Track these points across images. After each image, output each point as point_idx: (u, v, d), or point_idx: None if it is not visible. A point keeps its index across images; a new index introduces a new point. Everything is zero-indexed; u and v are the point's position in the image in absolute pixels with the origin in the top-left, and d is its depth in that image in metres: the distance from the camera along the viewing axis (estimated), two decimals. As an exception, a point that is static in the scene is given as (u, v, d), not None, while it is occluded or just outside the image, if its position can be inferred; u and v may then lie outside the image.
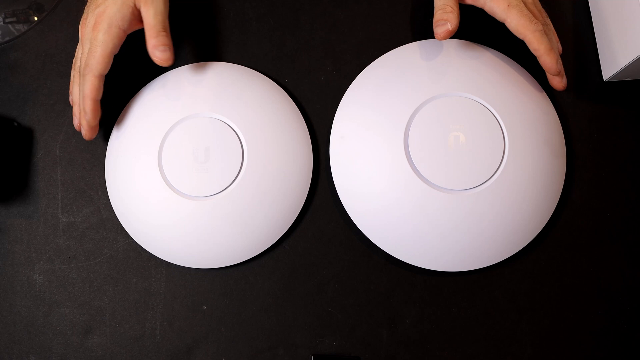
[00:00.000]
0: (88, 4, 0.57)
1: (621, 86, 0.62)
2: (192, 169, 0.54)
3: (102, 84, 0.55)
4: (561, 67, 0.55)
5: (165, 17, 0.56)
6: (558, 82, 0.55)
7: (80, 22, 0.57)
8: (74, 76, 0.58)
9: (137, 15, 0.55)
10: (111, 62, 0.55)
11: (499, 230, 0.53)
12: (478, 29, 0.61)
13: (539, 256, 0.58)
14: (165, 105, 0.57)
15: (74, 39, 0.62)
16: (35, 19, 0.63)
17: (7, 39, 0.62)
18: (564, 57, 0.62)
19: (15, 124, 0.61)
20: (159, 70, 0.60)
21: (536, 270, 0.58)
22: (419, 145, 0.53)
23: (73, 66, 0.58)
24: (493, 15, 0.54)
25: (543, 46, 0.53)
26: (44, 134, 0.61)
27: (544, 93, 0.57)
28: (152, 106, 0.57)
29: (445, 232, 0.53)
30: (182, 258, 0.56)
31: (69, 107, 0.61)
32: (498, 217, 0.52)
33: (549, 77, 0.56)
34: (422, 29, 0.63)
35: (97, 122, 0.56)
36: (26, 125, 0.61)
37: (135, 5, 0.55)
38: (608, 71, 0.61)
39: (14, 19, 0.63)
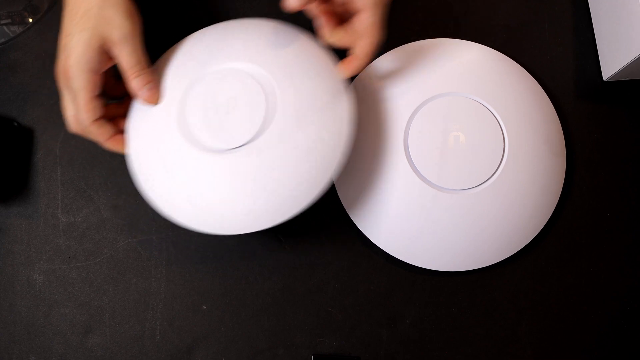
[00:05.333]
0: (60, 47, 0.53)
1: (621, 86, 0.62)
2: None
3: (102, 110, 0.52)
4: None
5: (141, 51, 0.51)
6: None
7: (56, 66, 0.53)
8: (77, 130, 0.54)
9: (106, 55, 0.51)
10: (100, 100, 0.51)
11: (499, 230, 0.53)
12: (476, 30, 0.61)
13: (539, 256, 0.58)
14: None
15: (74, 39, 0.63)
16: (30, 20, 0.63)
17: (2, 40, 0.62)
18: (564, 57, 0.63)
19: (15, 124, 0.61)
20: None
21: (536, 270, 0.58)
22: (419, 145, 0.52)
23: (64, 116, 0.54)
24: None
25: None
26: (44, 134, 0.61)
27: (544, 93, 0.57)
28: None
29: (445, 232, 0.53)
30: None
31: (69, 107, 0.61)
32: (498, 216, 0.52)
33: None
34: (422, 29, 0.63)
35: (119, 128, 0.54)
36: (26, 125, 0.61)
37: (102, 46, 0.50)
38: (608, 71, 0.61)
39: (9, 21, 0.63)
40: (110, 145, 0.53)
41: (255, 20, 0.56)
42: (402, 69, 0.56)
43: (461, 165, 0.52)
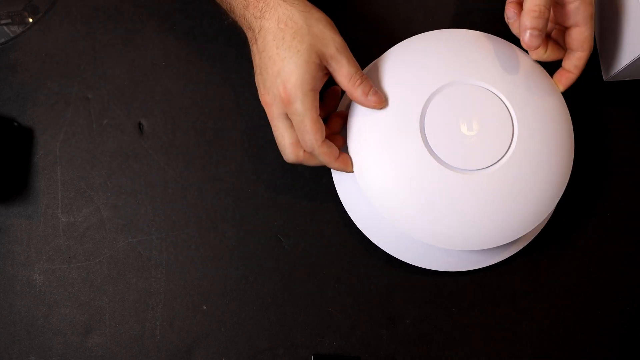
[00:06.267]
0: (257, 72, 0.52)
1: (621, 86, 0.62)
2: (458, 140, 0.52)
3: (325, 128, 0.52)
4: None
5: (355, 60, 0.52)
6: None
7: (259, 95, 0.52)
8: (297, 158, 0.53)
9: (325, 71, 0.51)
10: (321, 120, 0.51)
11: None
12: (492, 24, 0.61)
13: (539, 256, 0.58)
14: (422, 72, 0.54)
15: (74, 39, 0.63)
16: (30, 20, 0.63)
17: (2, 40, 0.62)
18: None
19: (15, 124, 0.61)
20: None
21: (536, 270, 0.58)
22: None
23: (281, 146, 0.53)
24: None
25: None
26: (44, 134, 0.61)
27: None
28: (404, 74, 0.55)
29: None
30: (439, 236, 0.52)
31: (69, 107, 0.61)
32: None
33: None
34: (422, 29, 0.63)
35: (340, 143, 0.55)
36: (26, 125, 0.61)
37: (320, 63, 0.50)
38: (608, 71, 0.61)
39: (9, 21, 0.63)
40: (339, 164, 0.53)
41: (465, 32, 0.57)
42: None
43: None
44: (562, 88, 0.55)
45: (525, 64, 0.55)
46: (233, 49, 0.62)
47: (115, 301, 0.57)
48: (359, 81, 0.51)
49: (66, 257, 0.58)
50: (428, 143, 0.51)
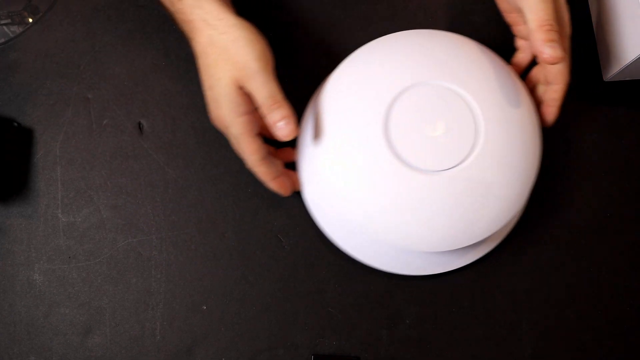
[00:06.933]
0: (204, 89, 0.53)
1: (621, 86, 0.62)
2: (422, 140, 0.51)
3: (264, 147, 0.52)
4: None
5: (271, 84, 0.50)
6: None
7: None
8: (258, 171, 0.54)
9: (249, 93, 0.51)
10: (260, 138, 0.52)
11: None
12: (492, 24, 0.61)
13: (539, 256, 0.58)
14: (386, 73, 0.53)
15: (74, 39, 0.63)
16: (30, 20, 0.63)
17: (2, 40, 0.62)
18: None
19: (15, 124, 0.61)
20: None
21: (536, 270, 0.58)
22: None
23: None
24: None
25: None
26: (44, 134, 0.61)
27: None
28: (369, 76, 0.54)
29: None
30: (403, 239, 0.52)
31: (69, 107, 0.61)
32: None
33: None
34: (421, 29, 0.63)
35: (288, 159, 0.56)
36: (26, 125, 0.61)
37: (241, 87, 0.50)
38: (608, 71, 0.61)
39: (9, 21, 0.63)
40: (274, 186, 0.54)
41: (433, 32, 0.57)
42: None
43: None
44: (549, 122, 0.55)
45: (494, 64, 0.54)
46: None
47: (115, 301, 0.57)
48: (269, 108, 0.50)
49: (66, 257, 0.58)
50: (392, 144, 0.51)
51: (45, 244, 0.58)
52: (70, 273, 0.58)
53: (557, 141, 0.60)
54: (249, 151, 0.51)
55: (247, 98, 0.50)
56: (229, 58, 0.50)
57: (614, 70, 0.60)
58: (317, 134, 0.54)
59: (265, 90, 0.50)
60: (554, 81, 0.53)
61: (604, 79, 0.62)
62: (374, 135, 0.51)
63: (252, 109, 0.51)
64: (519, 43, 0.58)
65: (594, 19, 0.63)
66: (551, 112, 0.55)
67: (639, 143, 0.61)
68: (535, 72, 0.57)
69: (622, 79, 0.61)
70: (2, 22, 0.63)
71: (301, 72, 0.61)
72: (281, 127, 0.50)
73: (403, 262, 0.56)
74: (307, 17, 0.64)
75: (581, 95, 0.61)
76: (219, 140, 0.60)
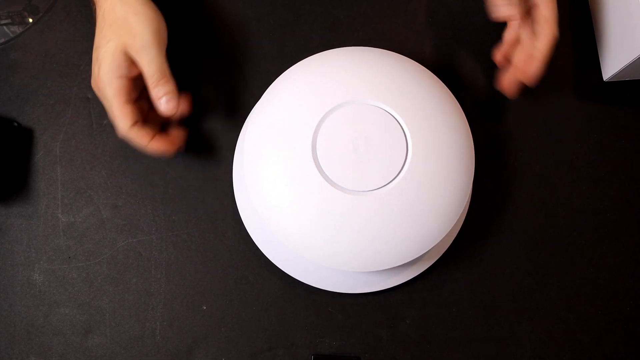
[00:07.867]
0: (93, 50, 0.54)
1: (621, 86, 0.62)
2: (351, 161, 0.51)
3: (137, 115, 0.52)
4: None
5: (161, 60, 0.52)
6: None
7: None
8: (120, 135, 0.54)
9: (133, 62, 0.52)
10: (135, 105, 0.52)
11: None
12: (492, 24, 0.61)
13: (539, 256, 0.58)
14: (316, 92, 0.53)
15: (74, 39, 0.63)
16: (30, 20, 0.63)
17: (2, 40, 0.62)
18: (564, 57, 0.63)
19: (15, 124, 0.61)
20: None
21: (536, 270, 0.58)
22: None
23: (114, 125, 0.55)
24: None
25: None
26: (44, 134, 0.61)
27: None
28: (299, 94, 0.54)
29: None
30: (332, 258, 0.52)
31: (69, 107, 0.61)
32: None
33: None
34: (421, 29, 0.63)
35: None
36: (26, 125, 0.61)
37: (126, 53, 0.51)
38: (608, 71, 0.61)
39: (9, 21, 0.63)
40: (154, 146, 0.53)
41: (366, 50, 0.57)
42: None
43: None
44: (532, 77, 0.54)
45: (426, 82, 0.54)
46: (233, 49, 0.62)
47: (115, 301, 0.57)
48: (154, 83, 0.52)
49: (66, 257, 0.58)
50: (319, 164, 0.51)
51: (45, 244, 0.58)
52: (70, 273, 0.58)
53: (557, 141, 0.60)
54: (120, 115, 0.51)
55: (130, 64, 0.52)
56: (126, 26, 0.51)
57: (614, 70, 0.60)
58: (247, 151, 0.53)
59: (154, 64, 0.51)
60: (540, 31, 0.53)
61: (604, 79, 0.62)
62: (302, 154, 0.51)
63: (131, 76, 0.52)
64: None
65: (594, 19, 0.63)
66: (535, 65, 0.54)
67: (639, 143, 0.61)
68: (514, 35, 0.56)
69: (622, 79, 0.61)
70: (2, 22, 0.63)
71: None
72: (164, 102, 0.52)
73: (336, 281, 0.56)
74: (308, 17, 0.64)
75: (581, 95, 0.61)
76: (219, 140, 0.60)
